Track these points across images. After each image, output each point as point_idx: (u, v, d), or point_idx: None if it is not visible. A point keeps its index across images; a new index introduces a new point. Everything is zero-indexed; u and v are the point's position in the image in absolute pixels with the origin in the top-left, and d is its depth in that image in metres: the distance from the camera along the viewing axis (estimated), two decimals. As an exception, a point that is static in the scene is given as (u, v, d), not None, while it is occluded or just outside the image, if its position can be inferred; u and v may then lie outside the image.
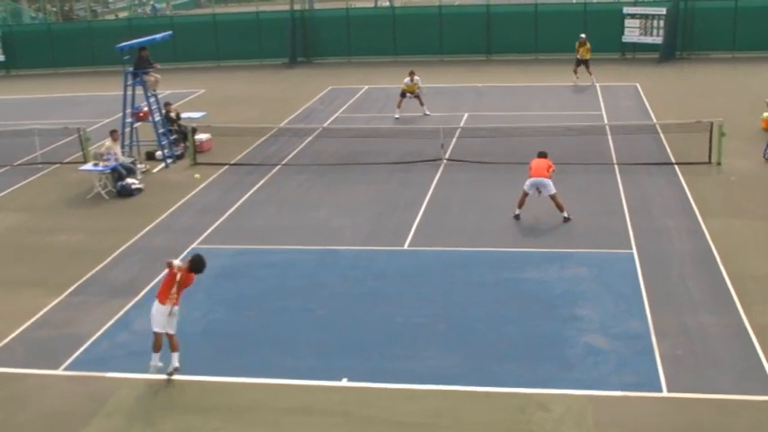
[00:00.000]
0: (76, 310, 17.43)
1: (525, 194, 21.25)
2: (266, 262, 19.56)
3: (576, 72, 38.72)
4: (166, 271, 14.54)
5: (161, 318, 14.32)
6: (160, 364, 14.59)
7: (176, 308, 14.44)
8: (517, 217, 21.29)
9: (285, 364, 14.94)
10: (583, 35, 39.00)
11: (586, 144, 27.35)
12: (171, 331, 14.40)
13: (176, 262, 14.58)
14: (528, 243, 20.00)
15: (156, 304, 14.38)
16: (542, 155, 21.71)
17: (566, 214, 21.04)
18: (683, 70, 41.91)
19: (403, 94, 33.23)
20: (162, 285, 14.53)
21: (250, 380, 14.45)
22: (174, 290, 14.38)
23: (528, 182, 21.17)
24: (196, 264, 14.57)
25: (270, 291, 18.02)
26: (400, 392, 13.89)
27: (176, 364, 14.46)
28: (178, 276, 14.34)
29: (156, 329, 14.37)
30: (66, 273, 19.32)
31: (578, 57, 38.60)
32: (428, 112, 33.15)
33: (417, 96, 33.23)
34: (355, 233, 21.00)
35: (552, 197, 21.04)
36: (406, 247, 20.15)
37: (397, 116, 33.05)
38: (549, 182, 21.00)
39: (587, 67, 38.41)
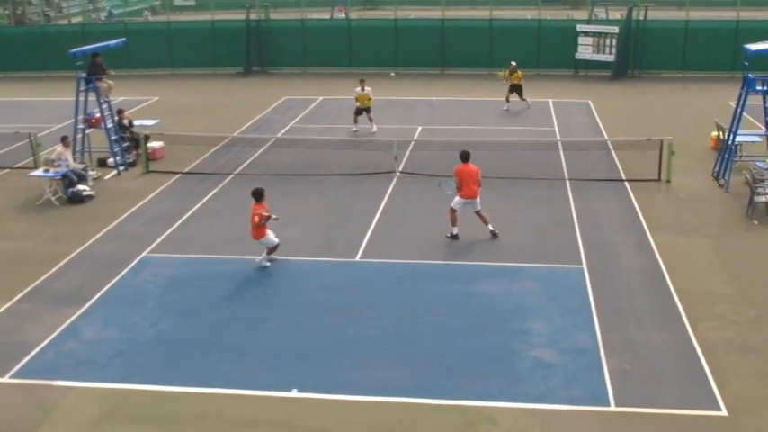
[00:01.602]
0: (24, 318, 17.20)
1: (454, 211, 20.88)
2: (217, 272, 19.47)
3: (508, 100, 37.03)
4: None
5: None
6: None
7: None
8: (455, 237, 20.93)
9: (234, 374, 14.87)
10: (513, 63, 37.24)
11: (539, 159, 27.59)
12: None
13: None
14: (478, 257, 20.08)
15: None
16: (466, 157, 21.00)
17: (491, 228, 21.01)
18: (634, 88, 42.42)
19: (358, 112, 32.98)
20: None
21: (198, 390, 14.37)
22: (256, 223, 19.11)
23: (459, 201, 20.85)
24: (253, 193, 19.44)
25: (220, 301, 17.93)
26: (349, 404, 13.90)
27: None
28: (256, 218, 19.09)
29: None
30: (13, 280, 19.08)
31: (511, 82, 37.02)
32: (374, 130, 32.64)
33: (368, 112, 32.86)
34: (307, 244, 20.98)
35: (478, 213, 20.97)
36: (357, 258, 20.17)
37: (354, 129, 33.03)
38: (478, 200, 20.90)
39: (520, 93, 36.93)
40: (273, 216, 19.47)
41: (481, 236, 21.17)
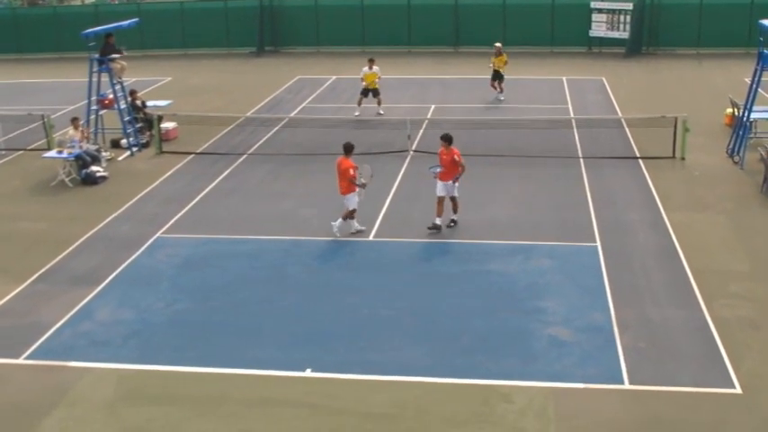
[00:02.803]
0: (39, 299, 17.29)
1: (442, 199, 20.09)
2: (232, 252, 19.50)
3: (495, 87, 34.68)
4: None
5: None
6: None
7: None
8: (437, 228, 20.07)
9: (250, 354, 14.92)
10: (498, 44, 34.93)
11: (552, 137, 27.50)
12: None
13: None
14: (493, 235, 20.04)
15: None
16: (447, 140, 20.10)
17: (455, 217, 20.40)
18: (648, 65, 42.19)
19: (365, 93, 32.28)
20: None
21: (214, 370, 14.42)
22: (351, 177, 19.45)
23: (439, 186, 20.11)
24: (345, 146, 20.04)
25: (235, 281, 17.96)
26: (365, 383, 13.92)
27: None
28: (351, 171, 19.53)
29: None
30: (28, 261, 19.16)
31: (494, 68, 34.41)
32: (382, 112, 32.03)
33: (377, 94, 32.17)
34: (321, 224, 20.97)
35: (453, 199, 20.31)
36: (371, 238, 20.16)
37: (357, 113, 32.16)
38: (456, 185, 20.15)
39: (500, 81, 34.46)
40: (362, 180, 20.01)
41: (495, 215, 21.15)
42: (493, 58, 34.31)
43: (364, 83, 32.29)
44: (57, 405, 13.52)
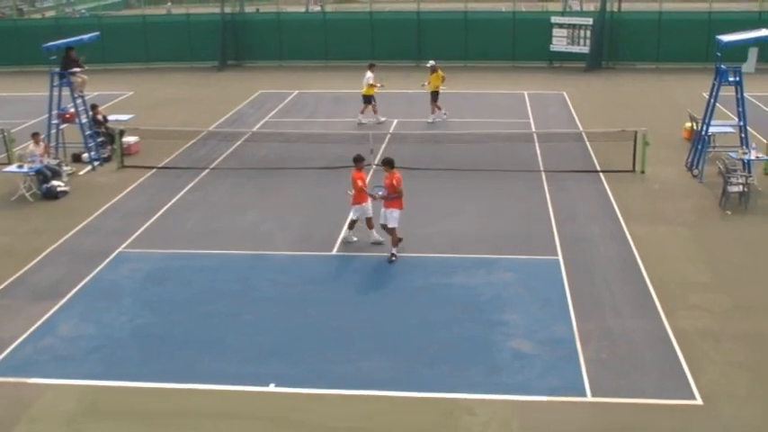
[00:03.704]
0: (0, 314, 17.12)
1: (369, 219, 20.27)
2: (195, 266, 19.43)
3: (437, 107, 33.57)
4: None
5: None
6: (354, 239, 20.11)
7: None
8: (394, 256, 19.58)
9: (212, 368, 14.87)
10: (432, 61, 33.91)
11: (514, 151, 27.68)
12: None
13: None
14: (456, 249, 20.11)
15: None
16: (388, 164, 19.79)
17: (375, 236, 20.27)
18: (608, 80, 42.62)
19: (368, 101, 32.79)
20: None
21: (176, 385, 14.36)
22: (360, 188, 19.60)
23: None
24: (355, 158, 20.20)
25: (198, 295, 17.90)
26: (330, 397, 13.92)
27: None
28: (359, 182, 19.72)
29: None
30: (-11, 276, 19.00)
31: (429, 89, 33.34)
32: (382, 119, 32.96)
33: (373, 101, 32.73)
34: (284, 238, 20.97)
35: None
36: (334, 252, 20.18)
37: (380, 120, 32.96)
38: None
39: (435, 99, 33.31)
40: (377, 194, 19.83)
41: (458, 229, 21.26)
42: (429, 76, 33.33)
43: (374, 90, 32.92)
44: (18, 421, 13.40)
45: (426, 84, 33.62)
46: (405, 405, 13.66)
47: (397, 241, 19.57)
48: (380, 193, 19.79)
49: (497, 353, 15.20)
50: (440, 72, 33.18)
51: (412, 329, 16.14)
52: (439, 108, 33.53)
